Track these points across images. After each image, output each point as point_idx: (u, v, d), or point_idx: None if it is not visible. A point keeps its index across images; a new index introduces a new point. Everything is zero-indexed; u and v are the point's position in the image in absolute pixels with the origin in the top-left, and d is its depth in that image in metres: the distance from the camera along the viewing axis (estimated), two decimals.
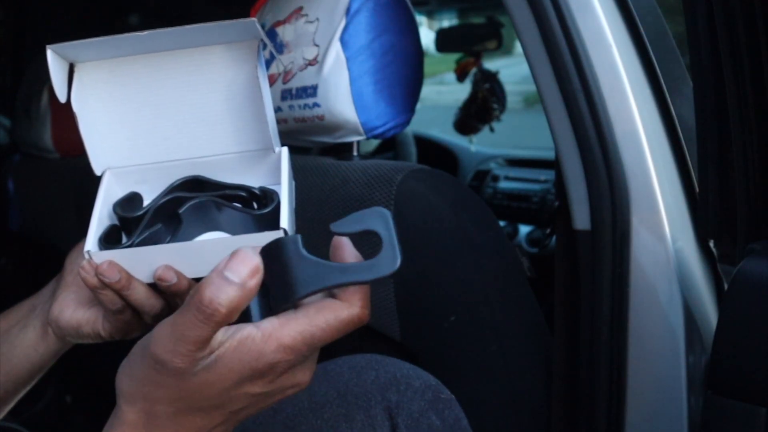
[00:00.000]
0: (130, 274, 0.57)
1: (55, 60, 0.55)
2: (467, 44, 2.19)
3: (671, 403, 0.69)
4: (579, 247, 0.71)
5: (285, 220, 0.56)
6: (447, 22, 2.98)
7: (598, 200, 0.69)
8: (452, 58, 2.28)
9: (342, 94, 0.84)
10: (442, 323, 0.79)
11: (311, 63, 0.87)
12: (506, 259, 0.82)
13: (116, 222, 0.60)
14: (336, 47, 0.84)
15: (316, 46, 0.86)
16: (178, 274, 0.57)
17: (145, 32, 0.54)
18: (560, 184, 0.73)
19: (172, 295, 0.59)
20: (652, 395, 0.70)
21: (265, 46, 0.59)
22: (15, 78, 1.72)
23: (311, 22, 0.88)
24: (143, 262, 0.56)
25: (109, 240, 0.58)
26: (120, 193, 0.62)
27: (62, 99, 0.56)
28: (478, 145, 2.55)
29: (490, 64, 2.25)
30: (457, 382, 0.70)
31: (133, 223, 0.59)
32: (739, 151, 0.63)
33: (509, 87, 2.27)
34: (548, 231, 2.07)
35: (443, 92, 4.96)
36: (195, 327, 0.41)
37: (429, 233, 0.78)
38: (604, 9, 0.68)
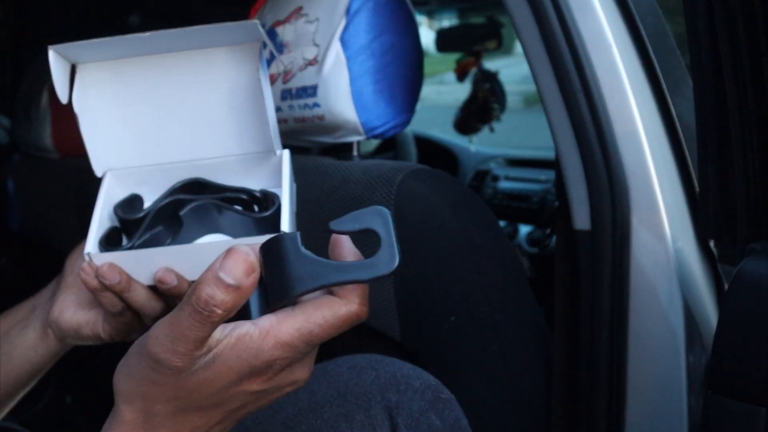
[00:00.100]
0: (130, 276, 0.57)
1: (56, 60, 0.55)
2: (467, 44, 2.19)
3: (671, 403, 0.69)
4: (579, 247, 0.71)
5: (286, 223, 0.56)
6: (447, 22, 2.98)
7: (598, 200, 0.69)
8: (452, 58, 2.28)
9: (342, 94, 0.84)
10: (442, 323, 0.79)
11: (311, 63, 0.87)
12: (506, 259, 0.82)
13: (117, 224, 0.60)
14: (336, 47, 0.84)
15: (316, 46, 0.86)
16: (179, 276, 0.57)
17: (147, 33, 0.54)
18: (560, 184, 0.74)
19: (172, 298, 0.59)
20: (652, 395, 0.70)
21: (265, 47, 0.59)
22: (15, 78, 1.72)
23: (311, 22, 0.88)
24: (144, 264, 0.56)
25: (110, 242, 0.58)
26: (121, 194, 0.62)
27: (64, 100, 0.56)
28: (478, 145, 2.55)
29: (490, 64, 2.25)
30: (457, 382, 0.70)
31: (134, 224, 0.59)
32: (739, 151, 0.63)
33: (509, 87, 2.27)
34: (548, 231, 2.07)
35: (443, 92, 4.96)
36: (192, 327, 0.41)
37: (429, 233, 0.78)
38: (604, 9, 0.68)
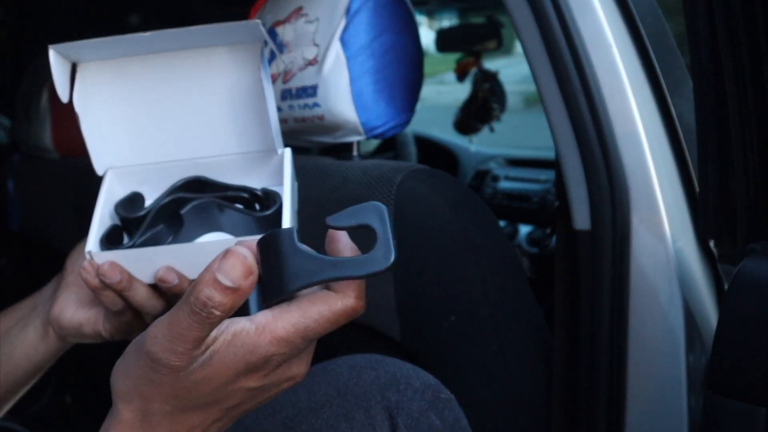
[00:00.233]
0: (131, 275, 0.57)
1: (57, 60, 0.55)
2: (467, 44, 2.19)
3: (671, 403, 0.69)
4: (579, 247, 0.71)
5: (287, 222, 0.56)
6: (447, 22, 2.98)
7: (598, 200, 0.69)
8: (452, 58, 2.28)
9: (342, 94, 0.84)
10: (442, 323, 0.79)
11: (311, 63, 0.87)
12: (506, 259, 0.82)
13: (118, 222, 0.60)
14: (336, 47, 0.84)
15: (316, 46, 0.86)
16: (180, 275, 0.57)
17: (148, 33, 0.54)
18: (560, 184, 0.74)
19: (173, 296, 0.59)
20: (652, 395, 0.70)
21: (266, 45, 0.59)
22: (15, 78, 1.71)
23: (311, 22, 0.88)
24: (144, 263, 0.56)
25: (111, 240, 0.58)
26: (122, 193, 0.62)
27: (64, 99, 0.56)
28: (478, 145, 2.55)
29: (490, 64, 2.24)
30: (457, 382, 0.70)
31: (135, 223, 0.59)
32: (739, 151, 0.63)
33: (509, 87, 2.27)
34: (548, 231, 2.07)
35: (443, 92, 4.96)
36: (191, 327, 0.41)
37: (429, 233, 0.78)
38: (604, 9, 0.68)
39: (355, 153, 0.90)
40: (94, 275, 0.56)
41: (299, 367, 0.47)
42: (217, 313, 0.41)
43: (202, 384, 0.44)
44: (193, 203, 0.59)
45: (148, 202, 0.63)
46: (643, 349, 0.69)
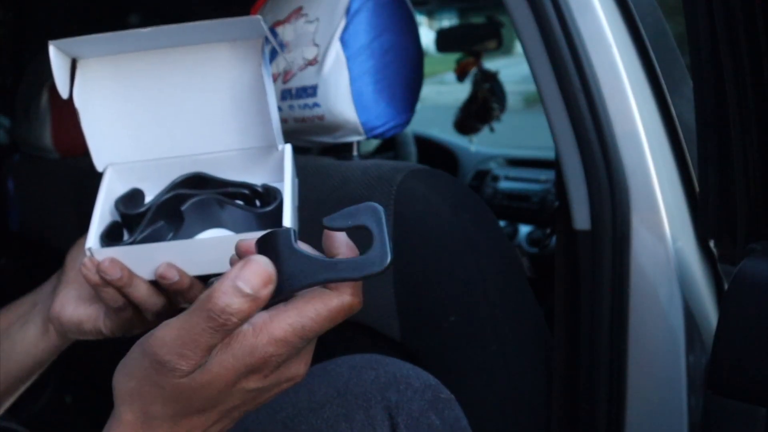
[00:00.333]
0: (131, 272, 0.57)
1: (57, 56, 0.54)
2: (467, 44, 2.19)
3: (671, 403, 0.69)
4: (579, 247, 0.71)
5: (288, 218, 0.56)
6: (447, 22, 2.98)
7: (598, 200, 0.69)
8: (452, 58, 2.28)
9: (342, 94, 0.84)
10: (442, 323, 0.79)
11: (311, 63, 0.87)
12: (506, 259, 0.82)
13: (118, 218, 0.60)
14: (336, 47, 0.84)
15: (316, 45, 0.86)
16: (180, 271, 0.57)
17: (149, 29, 0.54)
18: (560, 184, 0.74)
19: (173, 293, 0.59)
20: (652, 395, 0.70)
21: (268, 43, 0.59)
22: (15, 78, 1.71)
23: (311, 21, 0.88)
24: (145, 260, 0.56)
25: (111, 237, 0.58)
26: (122, 189, 0.62)
27: (64, 95, 0.56)
28: (478, 145, 2.55)
29: (490, 64, 2.24)
30: (457, 382, 0.70)
31: (135, 219, 0.59)
32: (739, 151, 0.63)
33: (509, 87, 2.27)
34: (548, 231, 2.07)
35: (443, 92, 4.96)
36: (206, 334, 0.41)
37: (429, 233, 0.78)
38: (604, 9, 0.68)
39: (355, 153, 0.90)
40: (94, 272, 0.56)
41: (299, 367, 0.47)
42: (235, 320, 0.41)
43: (203, 387, 0.44)
44: (194, 199, 0.59)
45: (148, 199, 0.63)
46: (643, 349, 0.69)
